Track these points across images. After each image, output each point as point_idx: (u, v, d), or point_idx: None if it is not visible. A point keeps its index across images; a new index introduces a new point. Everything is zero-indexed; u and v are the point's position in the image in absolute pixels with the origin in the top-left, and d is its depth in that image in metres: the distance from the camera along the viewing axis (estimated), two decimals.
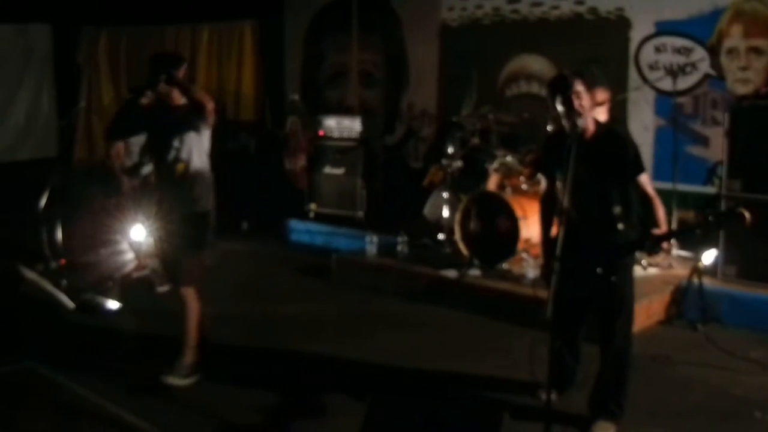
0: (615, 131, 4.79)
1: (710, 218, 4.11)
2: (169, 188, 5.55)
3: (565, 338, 4.88)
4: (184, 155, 5.43)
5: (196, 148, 5.49)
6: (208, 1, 11.86)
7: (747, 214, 3.99)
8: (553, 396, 4.84)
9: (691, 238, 4.20)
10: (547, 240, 4.91)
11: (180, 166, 5.44)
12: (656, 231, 4.49)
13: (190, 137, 5.44)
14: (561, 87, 4.54)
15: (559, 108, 4.54)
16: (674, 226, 7.26)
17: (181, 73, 5.52)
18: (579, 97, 4.47)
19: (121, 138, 6.43)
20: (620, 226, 4.56)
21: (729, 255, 6.85)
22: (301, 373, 5.72)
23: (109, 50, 13.14)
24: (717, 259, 6.91)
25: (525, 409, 4.80)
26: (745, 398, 5.18)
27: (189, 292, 5.59)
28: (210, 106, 5.40)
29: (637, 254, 6.48)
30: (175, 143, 5.40)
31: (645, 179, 4.69)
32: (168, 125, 5.44)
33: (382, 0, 10.89)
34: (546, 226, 4.94)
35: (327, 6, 11.56)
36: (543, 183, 5.07)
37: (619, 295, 4.62)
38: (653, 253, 4.42)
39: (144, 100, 5.46)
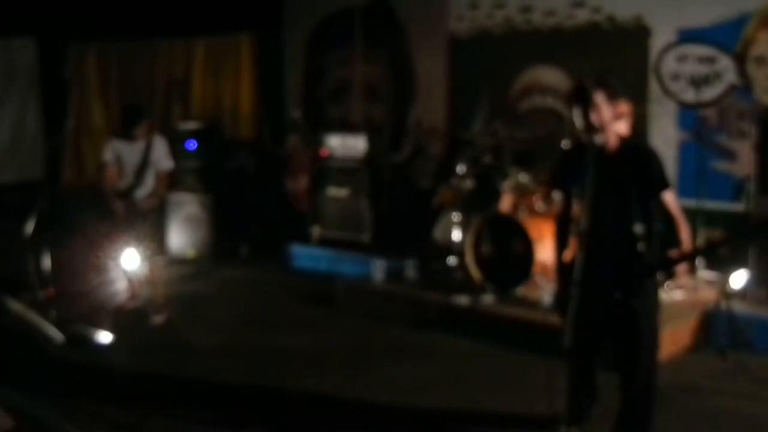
0: (638, 145, 4.78)
1: (741, 234, 4.08)
2: None
3: (579, 367, 4.86)
4: None
5: None
6: (203, 13, 11.90)
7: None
8: (575, 431, 4.84)
9: (718, 257, 4.14)
10: (560, 262, 4.88)
11: None
12: (672, 252, 4.43)
13: None
14: (579, 99, 4.53)
15: (577, 121, 4.53)
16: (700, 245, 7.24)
17: None
18: (597, 110, 4.46)
19: None
20: (641, 246, 4.53)
21: (760, 276, 6.82)
22: (303, 408, 5.69)
23: (99, 67, 13.21)
24: (747, 280, 6.88)
25: None
26: None
27: None
28: None
29: (660, 277, 6.45)
30: None
31: (670, 197, 4.64)
32: None
33: (386, 11, 10.93)
34: (560, 246, 4.90)
35: (328, 18, 11.60)
36: (558, 201, 5.06)
37: (641, 321, 4.58)
38: (668, 277, 4.37)
39: None
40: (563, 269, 4.74)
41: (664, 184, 4.61)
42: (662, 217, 4.61)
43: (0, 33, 12.05)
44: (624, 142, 4.68)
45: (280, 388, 6.01)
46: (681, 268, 4.25)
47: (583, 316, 4.15)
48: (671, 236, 4.59)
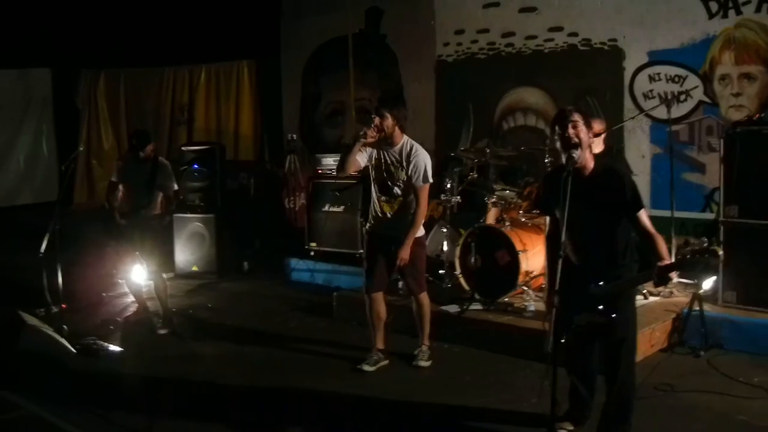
0: (613, 168, 4.78)
1: (689, 257, 4.16)
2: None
3: (575, 371, 4.97)
4: None
5: None
6: (206, 41, 12.00)
7: (720, 252, 4.07)
8: (570, 428, 4.89)
9: (694, 266, 4.21)
10: (552, 276, 4.90)
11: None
12: (663, 263, 4.46)
13: None
14: (558, 119, 4.63)
15: (557, 141, 4.60)
16: (674, 254, 7.26)
17: None
18: (575, 126, 4.54)
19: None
20: (619, 262, 4.61)
21: (729, 281, 6.87)
22: (304, 411, 5.72)
23: (108, 92, 13.27)
24: (717, 285, 6.92)
25: None
26: (749, 424, 5.18)
27: None
28: None
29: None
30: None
31: (643, 215, 4.67)
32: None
33: (377, 37, 11.02)
34: (550, 263, 4.96)
35: (323, 45, 11.69)
36: (546, 218, 5.12)
37: (622, 328, 4.65)
38: (662, 284, 4.42)
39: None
40: (553, 284, 4.77)
41: (638, 207, 4.62)
42: (638, 234, 4.63)
43: (19, 64, 12.15)
44: (600, 165, 4.71)
45: (281, 392, 6.04)
46: (672, 275, 4.29)
47: (569, 324, 4.24)
48: (644, 250, 4.62)
